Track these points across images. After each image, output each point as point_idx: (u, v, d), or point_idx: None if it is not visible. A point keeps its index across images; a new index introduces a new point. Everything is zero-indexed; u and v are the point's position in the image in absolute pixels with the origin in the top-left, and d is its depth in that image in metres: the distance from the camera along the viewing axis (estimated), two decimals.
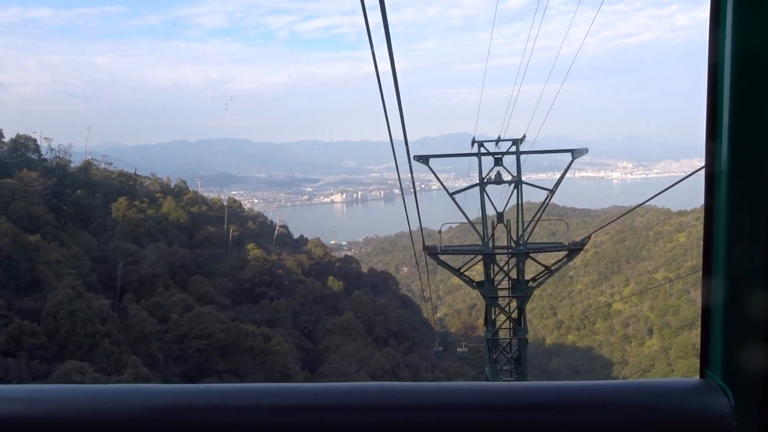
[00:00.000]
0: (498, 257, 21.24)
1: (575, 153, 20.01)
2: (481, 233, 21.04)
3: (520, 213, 20.68)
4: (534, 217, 21.02)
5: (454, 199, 20.21)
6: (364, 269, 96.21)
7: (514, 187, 21.14)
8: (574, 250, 20.30)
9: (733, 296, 1.33)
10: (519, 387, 1.44)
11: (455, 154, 22.56)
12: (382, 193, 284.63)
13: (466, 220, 21.22)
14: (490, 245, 20.94)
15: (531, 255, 20.78)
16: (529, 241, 21.29)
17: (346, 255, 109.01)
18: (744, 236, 1.30)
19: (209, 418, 1.37)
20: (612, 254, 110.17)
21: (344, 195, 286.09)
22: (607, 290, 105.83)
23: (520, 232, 20.92)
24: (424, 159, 19.53)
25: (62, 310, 32.94)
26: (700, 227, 1.55)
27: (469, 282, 21.87)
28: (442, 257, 20.73)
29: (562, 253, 21.09)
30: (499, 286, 21.79)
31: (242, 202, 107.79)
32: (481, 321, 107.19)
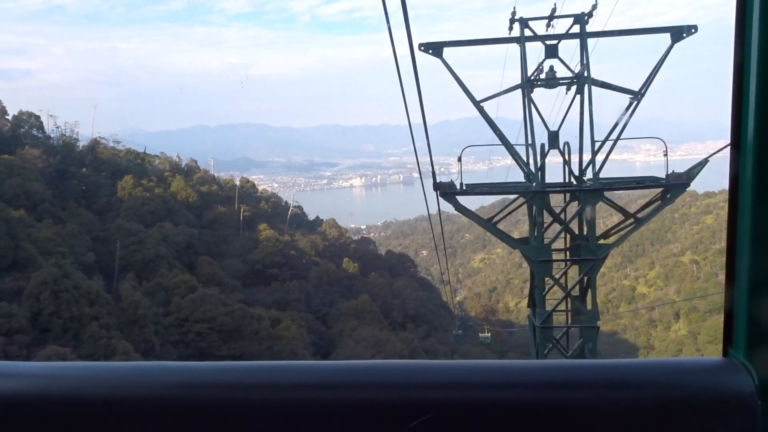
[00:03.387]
0: (551, 199, 14.98)
1: (678, 32, 13.48)
2: (525, 161, 14.54)
3: (587, 129, 14.03)
4: (610, 135, 14.09)
5: (480, 109, 14.39)
6: (383, 253, 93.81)
7: (577, 91, 14.40)
8: (677, 185, 13.86)
9: (758, 283, 1.34)
10: (540, 365, 1.45)
11: (483, 40, 15.67)
12: (402, 176, 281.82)
13: (496, 144, 14.65)
14: (539, 181, 14.42)
15: (606, 195, 14.29)
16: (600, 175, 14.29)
17: (362, 236, 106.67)
18: None
19: (229, 395, 1.38)
20: (636, 236, 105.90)
21: (363, 179, 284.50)
22: (632, 273, 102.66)
23: (587, 160, 14.47)
24: (434, 48, 14.05)
25: (46, 290, 30.64)
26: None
27: (506, 239, 15.71)
28: (464, 200, 14.60)
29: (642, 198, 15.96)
30: (553, 246, 15.64)
31: (262, 186, 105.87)
32: (502, 305, 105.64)
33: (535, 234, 15.08)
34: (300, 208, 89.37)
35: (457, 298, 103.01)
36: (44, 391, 1.40)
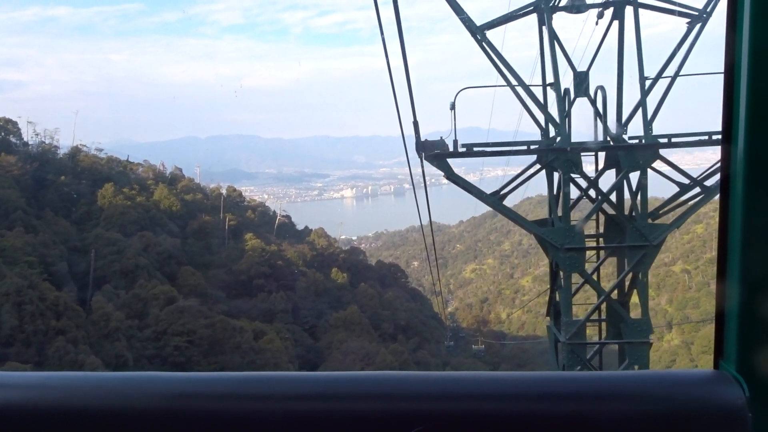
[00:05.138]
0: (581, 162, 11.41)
1: None
2: (544, 106, 11.45)
3: (632, 63, 10.89)
4: (664, 71, 11.15)
5: (481, 39, 11.18)
6: (374, 263, 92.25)
7: (614, 15, 11.38)
8: None
9: (749, 295, 1.34)
10: (532, 377, 1.46)
11: None
12: (393, 187, 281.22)
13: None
14: (565, 134, 11.11)
15: (662, 153, 11.01)
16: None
17: (352, 246, 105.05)
18: (759, 237, 1.33)
19: (221, 406, 1.39)
20: None
21: (354, 190, 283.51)
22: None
23: (630, 108, 11.30)
24: None
25: (8, 302, 28.73)
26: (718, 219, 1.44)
27: (518, 219, 12.43)
28: (457, 164, 11.60)
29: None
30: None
31: (253, 197, 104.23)
32: (493, 315, 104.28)
33: (560, 212, 11.51)
34: (288, 217, 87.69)
35: (449, 309, 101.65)
36: (33, 402, 1.38)
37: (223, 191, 79.16)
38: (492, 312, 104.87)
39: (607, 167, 11.93)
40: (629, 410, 1.35)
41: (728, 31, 1.32)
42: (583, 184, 11.95)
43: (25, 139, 59.41)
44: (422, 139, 11.36)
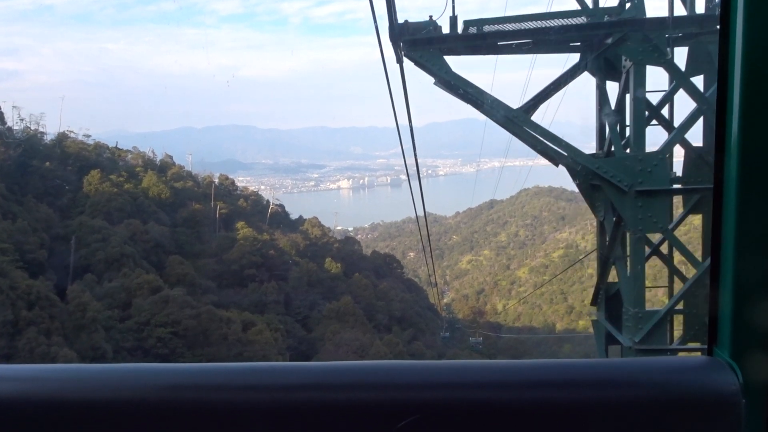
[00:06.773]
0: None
1: None
2: None
3: None
4: None
5: None
6: (369, 253, 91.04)
7: None
8: None
9: (742, 282, 1.37)
10: (526, 365, 1.48)
11: None
12: (389, 178, 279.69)
13: None
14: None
15: None
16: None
17: (347, 236, 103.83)
18: (751, 229, 1.35)
19: (215, 397, 1.40)
20: None
21: (351, 181, 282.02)
22: None
23: None
24: None
25: None
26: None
27: (558, 143, 8.09)
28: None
29: None
30: None
31: (248, 187, 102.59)
32: (489, 307, 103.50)
33: (626, 135, 7.48)
34: (281, 206, 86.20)
35: (445, 300, 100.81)
36: (26, 395, 1.38)
37: (215, 180, 77.57)
38: (488, 303, 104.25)
39: (692, 71, 7.86)
40: (625, 396, 1.35)
41: (721, 40, 1.32)
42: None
43: (10, 125, 57.74)
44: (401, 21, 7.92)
